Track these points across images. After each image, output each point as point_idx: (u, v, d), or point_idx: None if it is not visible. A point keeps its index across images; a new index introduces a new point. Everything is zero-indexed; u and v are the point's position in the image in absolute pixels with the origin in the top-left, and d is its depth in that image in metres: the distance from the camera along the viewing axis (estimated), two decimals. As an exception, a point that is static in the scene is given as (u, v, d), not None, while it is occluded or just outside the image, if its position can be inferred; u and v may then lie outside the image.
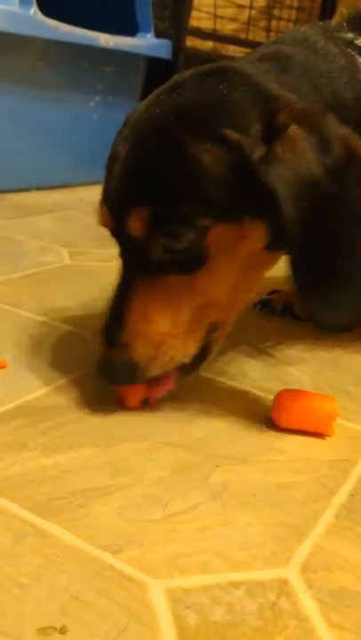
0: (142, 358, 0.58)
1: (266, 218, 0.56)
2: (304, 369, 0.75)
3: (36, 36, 1.63)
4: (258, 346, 0.81)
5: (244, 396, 0.67)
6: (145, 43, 2.00)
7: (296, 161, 0.53)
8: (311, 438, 0.60)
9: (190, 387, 0.68)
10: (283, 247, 0.60)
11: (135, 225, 0.56)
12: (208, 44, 2.31)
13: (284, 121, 0.54)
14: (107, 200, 0.60)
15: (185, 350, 0.60)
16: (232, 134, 0.54)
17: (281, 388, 0.65)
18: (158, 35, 2.06)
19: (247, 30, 2.41)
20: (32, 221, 1.44)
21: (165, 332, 0.58)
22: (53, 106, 1.81)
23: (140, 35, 2.01)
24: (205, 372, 0.72)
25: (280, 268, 0.79)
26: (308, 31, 0.69)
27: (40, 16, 1.62)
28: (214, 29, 2.31)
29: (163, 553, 0.44)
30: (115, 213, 0.59)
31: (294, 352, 0.79)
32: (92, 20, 1.80)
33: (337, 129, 0.56)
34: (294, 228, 0.53)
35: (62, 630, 0.37)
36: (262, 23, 2.52)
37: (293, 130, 0.54)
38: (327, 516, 0.49)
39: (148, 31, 2.02)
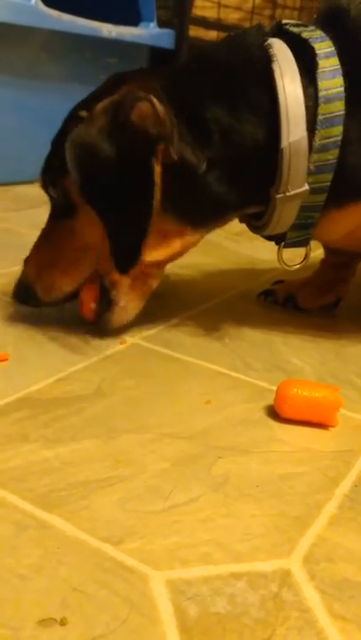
0: (29, 280, 0.75)
1: None
2: (307, 359, 0.74)
3: (37, 26, 1.62)
4: (262, 336, 0.80)
5: (246, 386, 0.67)
6: (148, 32, 1.98)
7: (84, 131, 0.65)
8: (314, 429, 0.59)
9: (192, 378, 0.68)
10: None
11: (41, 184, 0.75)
12: (212, 34, 2.29)
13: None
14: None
15: (62, 283, 0.74)
16: (83, 113, 0.68)
17: (284, 378, 0.65)
18: (161, 24, 2.04)
19: (251, 19, 2.40)
20: (35, 214, 1.43)
21: (48, 264, 0.74)
22: (56, 97, 1.80)
23: (142, 24, 1.99)
24: (209, 362, 0.71)
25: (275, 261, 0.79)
26: (250, 31, 0.73)
27: (41, 6, 1.61)
28: (218, 18, 2.29)
29: (164, 544, 0.43)
30: None
31: (297, 342, 0.79)
32: (95, 10, 1.79)
33: (135, 99, 0.63)
34: (80, 190, 0.67)
35: (63, 622, 0.37)
36: (267, 12, 2.50)
37: (100, 105, 0.66)
38: (330, 507, 0.49)
39: (151, 21, 2.00)
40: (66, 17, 1.67)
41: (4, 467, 0.50)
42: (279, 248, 0.76)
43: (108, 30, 1.80)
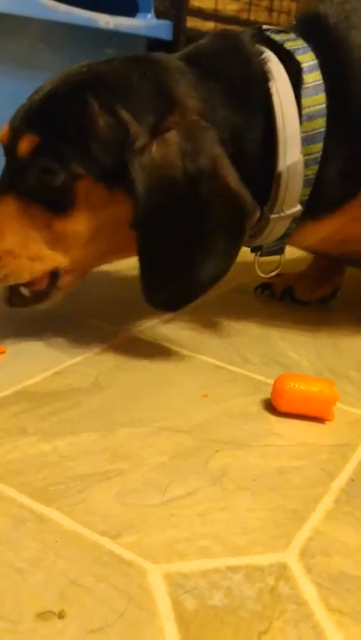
0: None
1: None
2: (304, 353, 0.74)
3: (33, 16, 1.61)
4: (259, 330, 0.80)
5: (243, 380, 0.67)
6: (145, 24, 1.97)
7: (161, 161, 0.61)
8: (311, 423, 0.60)
9: (189, 371, 0.68)
10: None
11: (23, 146, 0.64)
12: (209, 25, 2.28)
13: (169, 124, 0.61)
14: (12, 120, 0.68)
15: (18, 275, 0.66)
16: (126, 115, 0.61)
17: (281, 372, 0.65)
18: (159, 15, 2.03)
19: (249, 10, 2.38)
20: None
21: (8, 250, 0.65)
22: (53, 88, 1.79)
23: (140, 15, 1.98)
24: (206, 356, 0.72)
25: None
26: (241, 37, 0.70)
27: (38, -4, 1.60)
28: (216, 10, 2.28)
29: (162, 538, 0.44)
30: (13, 132, 0.66)
31: (294, 336, 0.79)
32: (92, 1, 1.78)
33: (212, 147, 0.62)
34: (142, 215, 0.61)
35: (61, 615, 0.37)
36: (265, 3, 2.48)
37: (172, 134, 0.61)
38: (327, 501, 0.49)
39: (149, 12, 1.99)
40: (62, 7, 1.66)
41: (1, 460, 0.50)
42: (255, 256, 0.78)
43: (106, 21, 1.79)
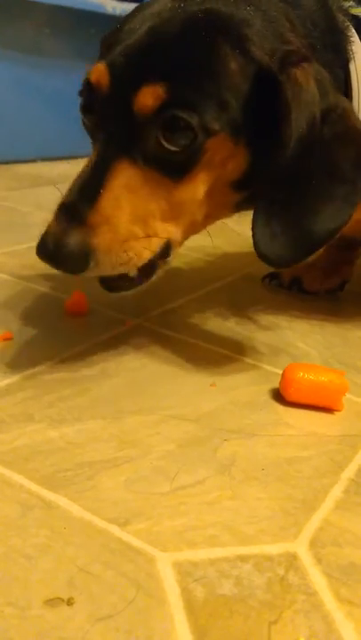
0: (102, 247, 0.53)
1: (252, 149, 0.57)
2: (313, 343, 0.74)
3: (40, 1, 1.59)
4: (267, 320, 0.80)
5: (251, 369, 0.67)
6: (152, 10, 1.96)
7: (307, 90, 0.54)
8: (320, 413, 0.59)
9: (197, 360, 0.67)
10: (244, 190, 0.60)
11: (145, 100, 0.53)
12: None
13: (296, 59, 0.55)
14: (113, 62, 0.55)
15: (140, 255, 0.57)
16: (258, 52, 0.54)
17: (289, 362, 0.65)
18: (166, 1, 2.01)
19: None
20: (37, 192, 1.42)
21: (132, 229, 0.55)
22: (59, 74, 1.78)
23: (147, 1, 1.97)
24: (214, 345, 0.71)
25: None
26: None
27: (45, -19, 1.58)
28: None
29: (170, 526, 0.43)
30: (119, 81, 0.54)
31: (303, 326, 0.78)
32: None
33: (332, 87, 0.59)
34: (287, 149, 0.54)
35: (70, 602, 0.37)
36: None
37: (306, 66, 0.55)
38: (336, 491, 0.49)
39: (156, -2, 1.97)
40: (70, -8, 1.65)
41: (9, 447, 0.50)
42: None
43: (113, 7, 1.78)
